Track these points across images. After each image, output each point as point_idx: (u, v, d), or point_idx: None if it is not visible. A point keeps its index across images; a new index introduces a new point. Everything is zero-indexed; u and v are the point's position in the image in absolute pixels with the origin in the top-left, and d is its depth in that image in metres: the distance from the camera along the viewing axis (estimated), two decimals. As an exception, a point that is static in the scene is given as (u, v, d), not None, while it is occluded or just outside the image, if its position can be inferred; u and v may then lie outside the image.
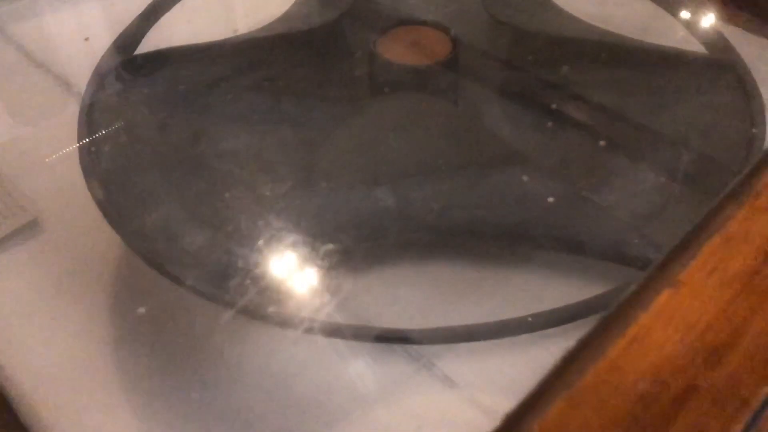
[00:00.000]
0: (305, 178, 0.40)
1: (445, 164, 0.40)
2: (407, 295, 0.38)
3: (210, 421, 0.32)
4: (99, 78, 0.42)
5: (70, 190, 0.40)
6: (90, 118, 0.40)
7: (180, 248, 0.36)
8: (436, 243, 0.39)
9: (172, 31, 0.49)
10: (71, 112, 0.44)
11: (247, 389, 0.34)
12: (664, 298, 0.17)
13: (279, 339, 0.35)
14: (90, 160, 0.38)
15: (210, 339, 0.35)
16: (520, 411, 0.16)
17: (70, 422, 0.33)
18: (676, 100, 0.44)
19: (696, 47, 0.48)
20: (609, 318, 0.17)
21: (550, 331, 0.34)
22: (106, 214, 0.36)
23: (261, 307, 0.34)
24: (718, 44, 0.46)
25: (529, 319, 0.33)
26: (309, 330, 0.32)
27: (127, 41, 0.45)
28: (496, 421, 0.17)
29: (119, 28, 0.48)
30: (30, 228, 0.43)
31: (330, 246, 0.38)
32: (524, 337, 0.34)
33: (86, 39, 0.42)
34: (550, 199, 0.36)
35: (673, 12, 0.50)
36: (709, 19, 0.48)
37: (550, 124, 0.43)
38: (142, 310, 0.34)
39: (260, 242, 0.37)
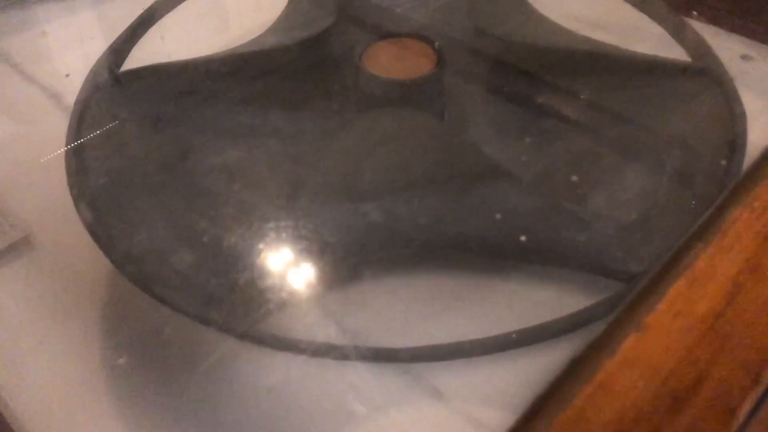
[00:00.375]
0: (292, 194, 0.40)
1: (431, 178, 0.40)
2: (396, 309, 0.38)
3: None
4: (86, 96, 0.42)
5: (60, 206, 0.40)
6: (78, 137, 0.40)
7: (169, 270, 0.36)
8: (423, 257, 0.40)
9: (157, 47, 0.49)
10: (61, 125, 0.44)
11: (236, 407, 0.34)
12: (630, 342, 0.18)
13: (267, 356, 0.36)
14: (78, 181, 0.38)
15: (201, 359, 0.36)
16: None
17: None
18: (659, 110, 0.44)
19: (679, 54, 0.48)
20: (577, 362, 0.17)
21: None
22: (95, 238, 0.36)
23: (249, 328, 0.34)
24: (699, 50, 0.47)
25: (514, 335, 0.33)
26: (299, 350, 0.33)
27: (113, 58, 0.45)
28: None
29: (108, 41, 0.49)
30: (20, 246, 0.43)
31: (318, 262, 0.38)
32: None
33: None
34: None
35: (657, 18, 0.50)
36: (689, 26, 0.48)
37: (535, 136, 0.44)
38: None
39: (248, 261, 0.38)
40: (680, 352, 0.18)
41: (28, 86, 0.55)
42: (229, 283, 0.37)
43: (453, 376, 0.35)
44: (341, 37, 0.47)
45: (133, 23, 0.48)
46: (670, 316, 0.18)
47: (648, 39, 0.53)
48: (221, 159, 0.43)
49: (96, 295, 0.39)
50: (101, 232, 0.36)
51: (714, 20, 0.58)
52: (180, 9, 0.51)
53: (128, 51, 0.47)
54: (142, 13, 0.49)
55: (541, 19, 0.49)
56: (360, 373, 0.36)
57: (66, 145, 0.40)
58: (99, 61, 0.45)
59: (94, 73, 0.44)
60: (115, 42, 0.46)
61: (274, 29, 0.49)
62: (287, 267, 0.38)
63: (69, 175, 0.39)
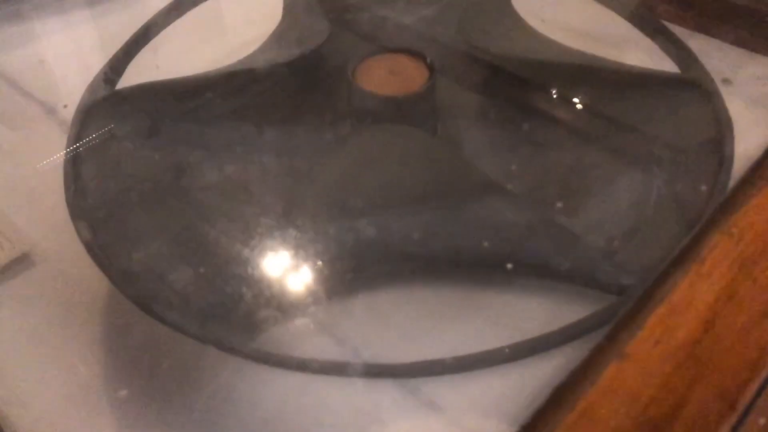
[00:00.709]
0: (287, 210, 0.41)
1: (424, 194, 0.41)
2: (392, 322, 0.39)
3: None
4: (83, 114, 0.43)
5: (59, 222, 0.41)
6: (75, 156, 0.41)
7: (167, 288, 0.37)
8: (418, 271, 0.40)
9: (153, 64, 0.50)
10: (59, 141, 0.45)
11: (235, 423, 0.35)
12: (611, 371, 0.18)
13: (266, 373, 0.36)
14: (76, 200, 0.39)
15: (200, 376, 0.36)
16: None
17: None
18: (648, 123, 0.45)
19: (669, 66, 0.49)
20: (560, 390, 0.18)
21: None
22: (95, 258, 0.37)
23: (248, 346, 0.35)
24: (687, 62, 0.47)
25: (507, 350, 0.34)
26: (298, 368, 0.34)
27: (109, 75, 0.46)
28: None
29: (106, 57, 0.49)
30: (20, 262, 0.43)
31: (315, 278, 0.39)
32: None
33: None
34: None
35: (645, 30, 0.51)
36: (677, 37, 0.49)
37: (527, 150, 0.44)
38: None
39: (245, 279, 0.38)
40: (660, 380, 0.18)
41: (26, 101, 0.55)
42: (226, 301, 0.38)
43: (449, 389, 0.36)
44: (334, 52, 0.48)
45: (129, 40, 0.49)
46: (650, 344, 0.19)
47: (638, 50, 0.53)
48: (218, 175, 0.43)
49: (96, 313, 0.40)
50: (100, 252, 0.37)
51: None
52: (175, 25, 0.51)
53: (124, 68, 0.47)
54: (138, 30, 0.49)
55: (532, 33, 0.50)
56: (357, 387, 0.36)
57: (64, 164, 0.41)
58: (95, 78, 0.46)
59: (90, 91, 0.45)
60: (111, 59, 0.47)
61: (267, 46, 0.50)
62: (284, 283, 0.39)
63: (67, 194, 0.39)
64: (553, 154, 0.44)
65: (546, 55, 0.49)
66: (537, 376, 0.35)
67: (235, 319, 0.38)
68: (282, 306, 0.39)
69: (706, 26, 0.59)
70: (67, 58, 0.59)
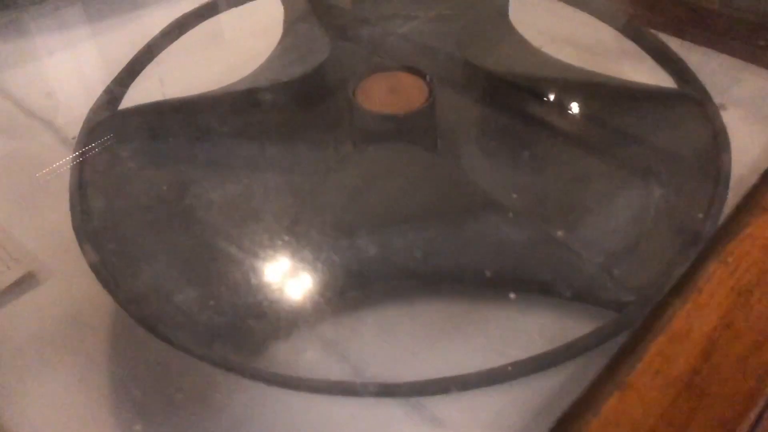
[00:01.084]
0: (290, 229, 0.41)
1: (425, 211, 0.41)
2: (395, 339, 0.39)
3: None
4: (86, 135, 0.43)
5: (64, 240, 0.41)
6: (80, 177, 0.41)
7: (173, 308, 0.37)
8: (421, 288, 0.41)
9: (155, 83, 0.50)
10: (63, 160, 0.45)
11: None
12: (613, 401, 0.19)
13: (269, 392, 0.37)
14: (82, 222, 0.39)
15: (205, 397, 0.37)
16: None
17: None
18: (647, 138, 0.45)
19: (665, 79, 0.49)
20: (562, 422, 0.18)
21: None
22: (101, 279, 0.37)
23: (253, 366, 0.35)
24: (684, 77, 0.48)
25: (510, 368, 0.35)
26: (302, 388, 0.34)
27: (112, 96, 0.46)
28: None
29: (109, 75, 0.50)
30: (25, 281, 0.44)
31: (319, 296, 0.39)
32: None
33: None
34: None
35: (641, 43, 0.51)
36: (672, 52, 0.49)
37: (526, 166, 0.45)
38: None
39: (250, 298, 0.39)
40: (659, 410, 0.19)
41: (28, 119, 0.55)
42: (231, 321, 0.38)
43: (453, 406, 0.37)
44: (335, 70, 0.48)
45: (131, 60, 0.49)
46: (650, 375, 0.19)
47: (634, 64, 0.54)
48: (222, 194, 0.44)
49: (102, 333, 0.40)
50: (106, 273, 0.37)
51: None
52: (177, 44, 0.52)
53: (127, 88, 0.48)
54: (140, 50, 0.50)
55: (530, 49, 0.51)
56: (360, 402, 0.37)
57: (69, 186, 0.41)
58: (99, 99, 0.46)
59: (93, 112, 0.45)
60: (114, 80, 0.47)
61: (269, 63, 0.50)
62: (288, 301, 0.40)
63: (73, 216, 0.40)
64: (553, 170, 0.45)
65: (544, 72, 0.49)
66: (540, 393, 0.36)
67: (240, 339, 0.39)
68: (286, 324, 0.40)
69: (702, 38, 0.60)
70: (70, 76, 0.60)
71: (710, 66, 0.57)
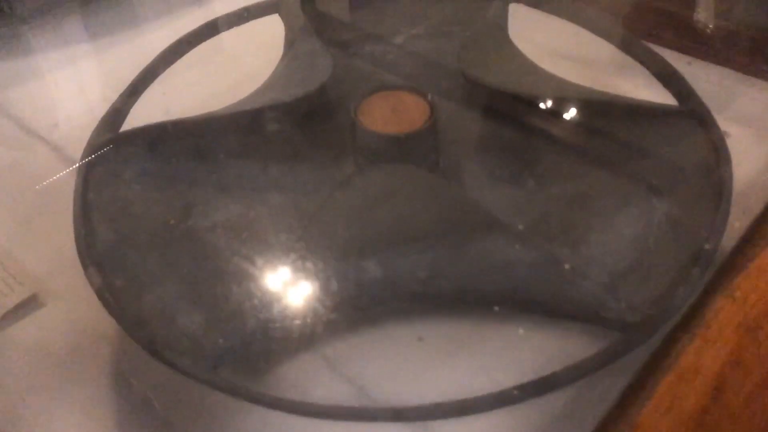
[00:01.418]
0: (294, 250, 0.41)
1: (429, 233, 0.41)
2: (399, 361, 0.39)
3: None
4: (89, 158, 0.43)
5: (67, 262, 0.41)
6: (84, 201, 0.41)
7: (177, 333, 0.37)
8: (425, 309, 0.41)
9: (157, 104, 0.50)
10: (65, 180, 0.45)
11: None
12: (624, 441, 0.19)
13: (275, 417, 0.37)
14: (86, 245, 0.39)
15: (210, 422, 0.37)
16: None
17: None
18: (648, 156, 0.46)
19: (663, 93, 0.49)
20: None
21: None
22: (104, 302, 0.37)
23: (258, 389, 0.35)
24: (684, 93, 0.48)
25: (515, 391, 0.35)
26: (307, 413, 0.34)
27: (114, 117, 0.46)
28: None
29: (111, 94, 0.50)
30: (29, 303, 0.44)
31: (323, 319, 0.39)
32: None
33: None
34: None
35: (640, 58, 0.51)
36: (674, 69, 0.49)
37: (529, 185, 0.45)
38: None
39: (254, 320, 0.39)
40: (670, 450, 0.19)
41: (31, 139, 0.55)
42: (235, 344, 0.38)
43: (458, 428, 0.37)
44: (337, 90, 0.49)
45: (133, 80, 0.49)
46: (660, 414, 0.19)
47: (635, 79, 0.54)
48: (225, 215, 0.44)
49: (105, 356, 0.40)
50: (110, 297, 0.37)
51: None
52: (179, 63, 0.52)
53: (129, 108, 0.48)
54: (142, 70, 0.50)
55: (531, 66, 0.51)
56: (367, 428, 0.37)
57: (73, 209, 0.41)
58: (101, 121, 0.46)
59: (96, 133, 0.46)
60: (116, 101, 0.47)
61: (271, 83, 0.50)
62: (293, 323, 0.40)
63: (77, 239, 0.40)
64: (555, 189, 0.45)
65: (545, 89, 0.49)
66: (546, 413, 0.36)
67: (245, 362, 0.39)
68: (291, 347, 0.40)
69: (700, 51, 0.60)
70: (72, 95, 0.60)
71: (709, 79, 0.57)
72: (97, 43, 0.64)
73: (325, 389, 0.38)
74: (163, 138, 0.45)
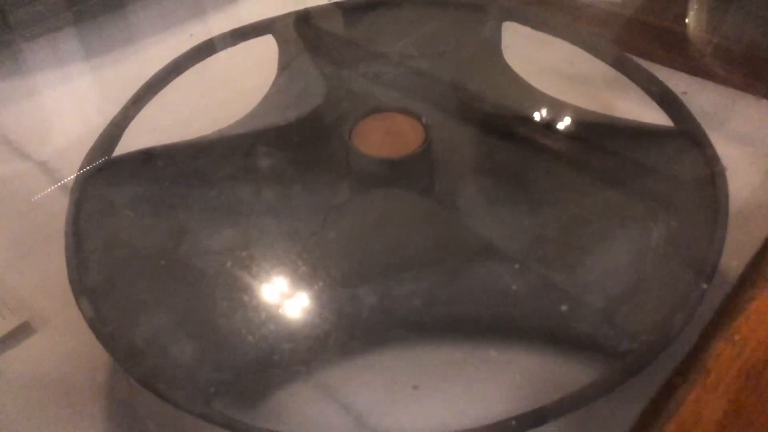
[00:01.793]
0: (288, 279, 0.41)
1: (424, 259, 0.41)
2: (395, 389, 0.39)
3: None
4: (81, 183, 0.43)
5: (59, 289, 0.41)
6: (76, 227, 0.41)
7: (170, 365, 0.37)
8: (422, 337, 0.41)
9: (150, 127, 0.50)
10: (58, 204, 0.45)
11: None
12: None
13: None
14: (78, 275, 0.39)
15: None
16: None
17: None
18: (644, 178, 0.45)
19: (658, 115, 0.49)
20: None
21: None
22: (97, 334, 0.37)
23: (254, 420, 0.35)
24: (679, 113, 0.48)
25: (513, 422, 0.34)
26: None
27: (105, 143, 0.46)
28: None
29: (105, 115, 0.49)
30: (20, 331, 0.43)
31: (318, 346, 0.39)
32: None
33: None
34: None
35: (635, 78, 0.51)
36: (667, 88, 0.49)
37: (524, 208, 0.45)
38: None
39: (250, 352, 0.38)
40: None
41: (23, 163, 0.55)
42: (230, 374, 0.38)
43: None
44: (330, 113, 0.48)
45: (126, 103, 0.49)
46: (660, 466, 0.19)
47: (629, 99, 0.54)
48: (218, 241, 0.44)
49: (97, 388, 0.40)
50: (102, 329, 0.37)
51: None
52: (170, 87, 0.51)
53: (121, 133, 0.47)
54: (135, 92, 0.49)
55: (526, 87, 0.51)
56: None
57: (65, 237, 0.41)
58: (93, 146, 0.46)
59: (88, 158, 0.45)
60: (108, 126, 0.47)
61: (264, 106, 0.50)
62: (288, 352, 0.39)
63: (69, 268, 0.39)
64: (550, 212, 0.45)
65: (540, 111, 0.49)
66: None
67: (240, 393, 0.38)
68: (287, 376, 0.39)
69: (692, 66, 0.60)
70: (65, 116, 0.59)
71: (702, 95, 0.57)
72: (92, 63, 0.64)
73: (322, 419, 0.38)
74: (156, 163, 0.45)
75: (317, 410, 0.38)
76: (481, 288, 0.40)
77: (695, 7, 0.64)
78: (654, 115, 0.48)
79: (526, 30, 0.55)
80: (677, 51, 0.61)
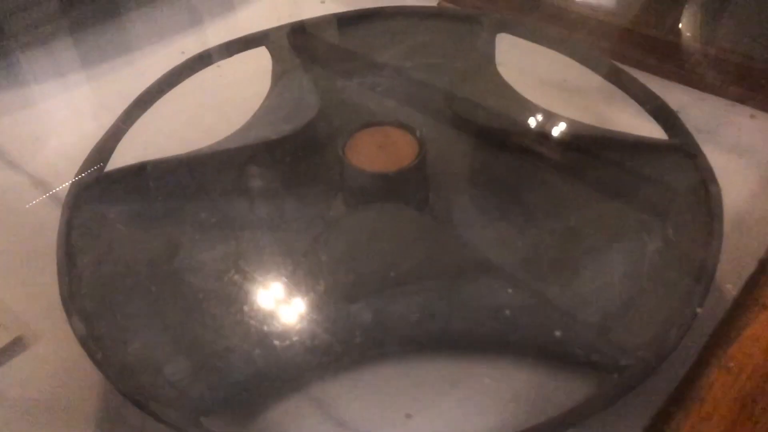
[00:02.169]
0: (282, 294, 0.41)
1: (419, 275, 0.41)
2: (392, 405, 0.39)
3: None
4: (73, 199, 0.43)
5: (53, 304, 0.40)
6: (68, 244, 0.41)
7: (162, 381, 0.37)
8: (417, 352, 0.41)
9: (140, 143, 0.50)
10: (51, 218, 0.44)
11: None
12: None
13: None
14: (70, 292, 0.39)
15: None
16: None
17: None
18: (638, 191, 0.45)
19: (653, 127, 0.49)
20: None
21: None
22: (88, 351, 0.36)
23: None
24: (673, 126, 0.48)
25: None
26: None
27: (98, 157, 0.46)
28: None
29: (99, 126, 0.49)
30: (13, 347, 0.43)
31: (313, 362, 0.39)
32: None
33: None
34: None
35: (628, 90, 0.51)
36: (661, 101, 0.49)
37: (518, 222, 0.45)
38: None
39: (242, 367, 0.38)
40: None
41: (16, 175, 0.55)
42: (222, 392, 0.38)
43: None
44: (324, 126, 0.48)
45: (120, 116, 0.49)
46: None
47: (623, 111, 0.54)
48: (211, 255, 0.43)
49: (89, 405, 0.40)
50: (94, 347, 0.37)
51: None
52: (166, 98, 0.51)
53: (114, 147, 0.47)
54: (129, 105, 0.49)
55: (519, 99, 0.51)
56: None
57: (57, 253, 0.41)
58: (86, 160, 0.46)
59: (81, 172, 0.45)
60: (101, 140, 0.47)
61: (257, 119, 0.50)
62: (282, 367, 0.39)
63: (61, 285, 0.39)
64: (545, 226, 0.45)
65: (534, 123, 0.49)
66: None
67: (232, 410, 0.38)
68: (282, 392, 0.39)
69: (686, 77, 0.60)
70: (59, 128, 0.59)
71: (696, 107, 0.57)
72: (86, 73, 0.64)
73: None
74: (148, 177, 0.45)
75: (310, 428, 0.38)
76: (476, 303, 0.40)
77: (688, 18, 0.64)
78: (648, 127, 0.48)
79: (520, 42, 0.55)
80: (671, 61, 0.61)
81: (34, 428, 0.39)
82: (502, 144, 0.48)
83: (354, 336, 0.40)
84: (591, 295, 0.41)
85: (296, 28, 0.55)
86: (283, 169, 0.47)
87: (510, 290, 0.40)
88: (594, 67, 0.52)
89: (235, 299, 0.41)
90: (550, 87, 0.58)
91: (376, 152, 0.46)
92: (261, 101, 0.52)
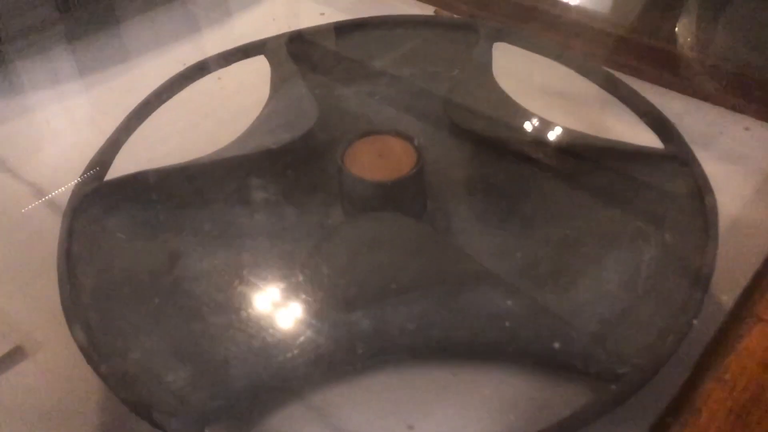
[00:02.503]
0: (281, 302, 0.41)
1: (417, 283, 0.41)
2: (391, 412, 0.39)
3: None
4: (73, 208, 0.43)
5: (53, 312, 0.40)
6: (68, 253, 0.41)
7: (163, 390, 0.37)
8: (415, 360, 0.41)
9: (139, 152, 0.50)
10: (50, 224, 0.44)
11: None
12: None
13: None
14: (70, 299, 0.39)
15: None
16: None
17: None
18: (634, 200, 0.46)
19: (649, 137, 0.49)
20: None
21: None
22: (89, 361, 0.37)
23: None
24: (668, 135, 0.48)
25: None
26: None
27: (100, 163, 0.46)
28: None
29: (99, 135, 0.49)
30: (13, 356, 0.43)
31: (312, 370, 0.39)
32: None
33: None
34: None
35: (625, 99, 0.51)
36: (657, 111, 0.50)
37: (515, 230, 0.45)
38: None
39: (242, 376, 0.38)
40: None
41: (16, 183, 0.55)
42: (223, 402, 0.38)
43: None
44: (322, 135, 0.48)
45: (119, 126, 0.49)
46: None
47: (619, 120, 0.54)
48: (211, 264, 0.44)
49: (89, 414, 0.40)
50: (94, 355, 0.37)
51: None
52: (165, 107, 0.51)
53: (113, 157, 0.47)
54: (128, 115, 0.49)
55: (516, 108, 0.51)
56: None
57: (57, 262, 0.41)
58: (86, 169, 0.46)
59: (81, 181, 0.45)
60: (99, 150, 0.47)
61: (256, 128, 0.50)
62: (283, 377, 0.39)
63: (62, 293, 0.39)
64: (542, 234, 0.45)
65: (531, 132, 0.49)
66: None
67: (234, 419, 0.38)
68: (281, 400, 0.39)
69: (682, 85, 0.61)
70: (59, 137, 0.59)
71: (691, 115, 0.57)
72: (85, 81, 0.64)
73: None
74: (148, 186, 0.45)
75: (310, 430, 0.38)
76: (474, 312, 0.41)
77: (684, 26, 0.65)
78: (644, 135, 0.49)
79: (517, 51, 0.55)
80: (667, 69, 0.61)
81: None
82: (499, 153, 0.49)
83: (353, 344, 0.40)
84: (588, 305, 0.41)
85: (295, 36, 0.55)
86: (282, 177, 0.47)
87: (508, 299, 0.41)
88: (591, 76, 0.53)
89: (235, 308, 0.41)
90: (547, 96, 0.58)
91: (374, 161, 0.46)
92: (260, 110, 0.52)
